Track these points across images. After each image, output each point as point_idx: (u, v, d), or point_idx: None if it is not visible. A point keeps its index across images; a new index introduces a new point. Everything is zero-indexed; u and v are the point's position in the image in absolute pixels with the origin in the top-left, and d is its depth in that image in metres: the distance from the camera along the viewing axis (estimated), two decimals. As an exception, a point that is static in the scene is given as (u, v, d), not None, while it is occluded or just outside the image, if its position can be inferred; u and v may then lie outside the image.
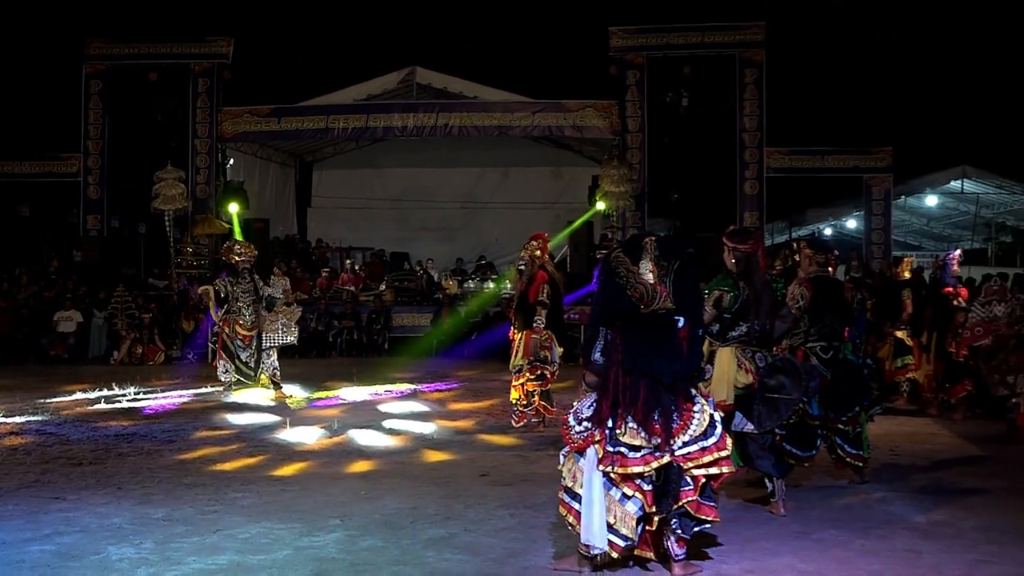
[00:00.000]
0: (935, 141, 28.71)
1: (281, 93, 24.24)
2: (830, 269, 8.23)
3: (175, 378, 15.50)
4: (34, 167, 23.35)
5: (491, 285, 21.93)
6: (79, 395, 13.32)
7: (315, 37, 31.83)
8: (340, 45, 31.59)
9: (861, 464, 7.84)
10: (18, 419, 11.26)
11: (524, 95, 23.37)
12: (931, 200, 27.23)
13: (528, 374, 10.23)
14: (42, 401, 12.75)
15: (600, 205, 21.75)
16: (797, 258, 8.25)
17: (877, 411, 8.32)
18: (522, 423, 10.36)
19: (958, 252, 12.65)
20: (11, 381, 14.98)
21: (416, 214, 26.96)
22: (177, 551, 5.90)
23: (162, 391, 13.83)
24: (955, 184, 25.29)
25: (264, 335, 12.85)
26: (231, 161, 23.63)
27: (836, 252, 9.03)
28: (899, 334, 12.18)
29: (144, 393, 13.53)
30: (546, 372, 10.22)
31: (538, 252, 10.40)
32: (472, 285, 22.39)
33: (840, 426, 7.66)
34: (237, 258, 12.90)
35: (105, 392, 13.45)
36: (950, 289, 12.04)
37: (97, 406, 12.38)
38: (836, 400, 7.55)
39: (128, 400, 12.88)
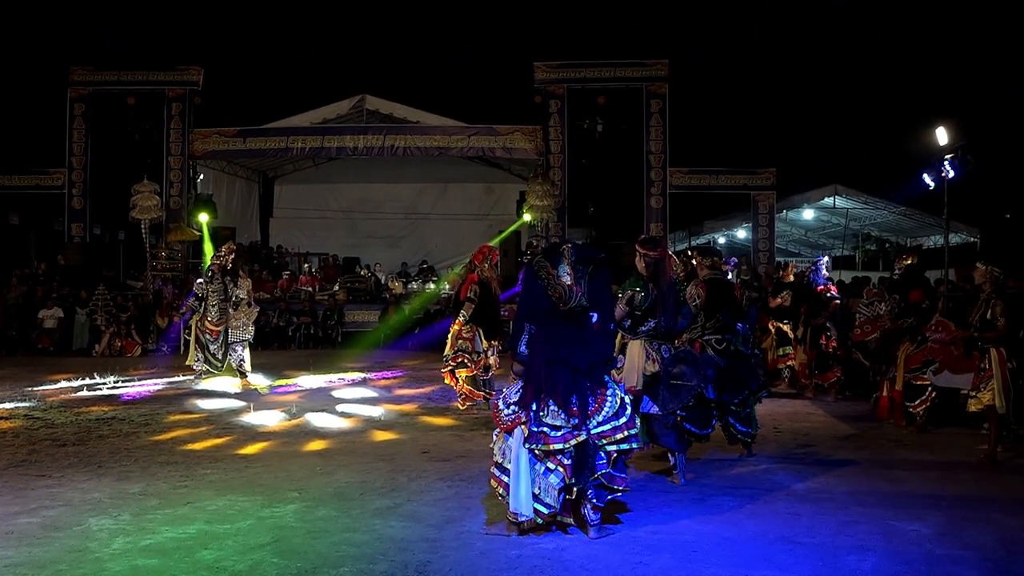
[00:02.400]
0: (812, 163, 29.32)
1: (246, 116, 24.05)
2: (724, 271, 8.33)
3: (150, 368, 15.23)
4: (23, 180, 22.87)
5: (431, 286, 21.88)
6: (64, 383, 13.01)
7: (277, 67, 31.63)
8: (299, 74, 31.43)
9: (750, 440, 7.95)
10: (8, 405, 10.96)
11: (461, 120, 23.40)
12: (808, 214, 27.70)
13: (452, 363, 10.24)
14: (30, 389, 12.43)
15: (527, 216, 21.84)
16: (694, 263, 8.35)
17: (763, 395, 8.43)
18: (464, 405, 10.36)
19: (825, 258, 12.93)
20: (1, 371, 14.58)
21: (366, 224, 26.83)
22: (152, 522, 5.80)
23: (139, 380, 13.57)
24: (828, 200, 25.77)
25: (230, 331, 12.68)
26: (201, 176, 23.33)
27: (735, 259, 9.15)
28: (784, 327, 12.40)
29: (122, 381, 13.26)
30: (466, 360, 10.20)
31: (477, 260, 10.42)
32: (415, 286, 22.32)
33: (732, 407, 7.75)
34: (219, 261, 12.76)
35: (87, 381, 13.15)
36: (822, 288, 12.31)
37: (80, 393, 12.10)
38: (729, 385, 7.64)
39: (108, 388, 12.60)
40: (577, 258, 5.50)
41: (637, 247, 6.91)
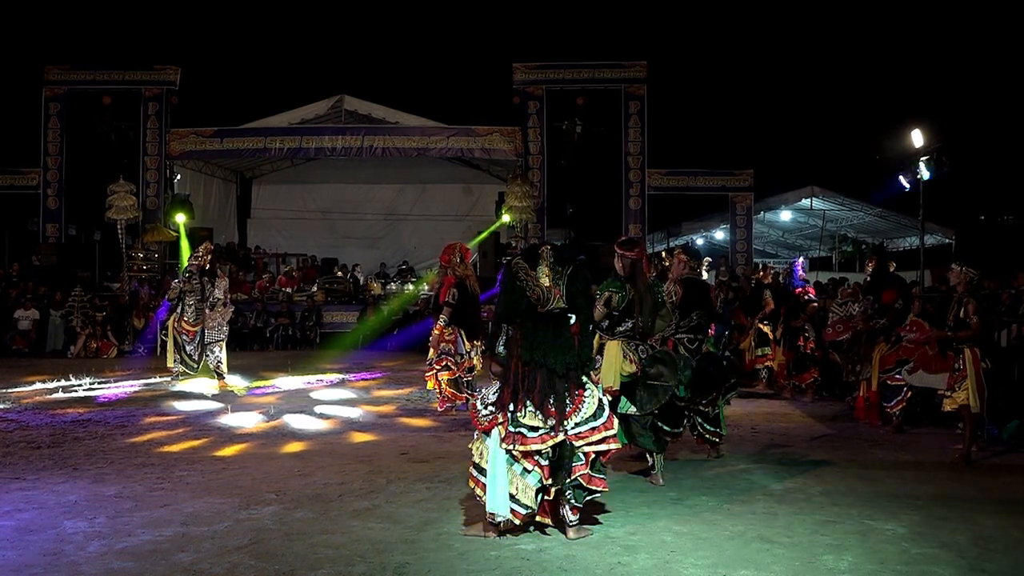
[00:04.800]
0: (789, 165, 29.53)
1: (224, 116, 23.96)
2: (704, 273, 8.41)
3: (127, 369, 15.12)
4: (-3, 180, 22.63)
5: (410, 287, 21.91)
6: (39, 385, 12.89)
7: (255, 67, 31.53)
8: (277, 74, 31.36)
9: (717, 440, 7.98)
10: (-19, 407, 10.86)
11: (439, 121, 23.40)
12: (785, 215, 27.86)
13: (436, 366, 10.23)
14: (4, 391, 12.30)
15: (505, 217, 21.85)
16: (667, 263, 8.39)
17: (732, 395, 8.46)
18: (442, 407, 10.34)
19: (801, 259, 13.03)
20: (-25, 373, 14.44)
21: (344, 224, 26.77)
22: (127, 524, 5.75)
23: (115, 381, 13.46)
24: (805, 202, 25.92)
25: (206, 331, 12.62)
26: (178, 176, 23.20)
27: (710, 259, 9.25)
28: (763, 327, 12.48)
29: (98, 383, 13.15)
30: (450, 363, 10.19)
31: (444, 261, 10.40)
32: (394, 287, 22.33)
33: (701, 407, 7.77)
34: (197, 261, 12.71)
35: (63, 382, 13.05)
36: (800, 290, 12.40)
37: (55, 395, 11.99)
38: (699, 385, 7.65)
39: (84, 389, 12.48)
40: (556, 259, 5.52)
41: (616, 248, 6.93)
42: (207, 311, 12.58)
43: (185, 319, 12.56)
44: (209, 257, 12.87)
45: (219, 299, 12.73)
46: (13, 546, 5.33)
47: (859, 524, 5.83)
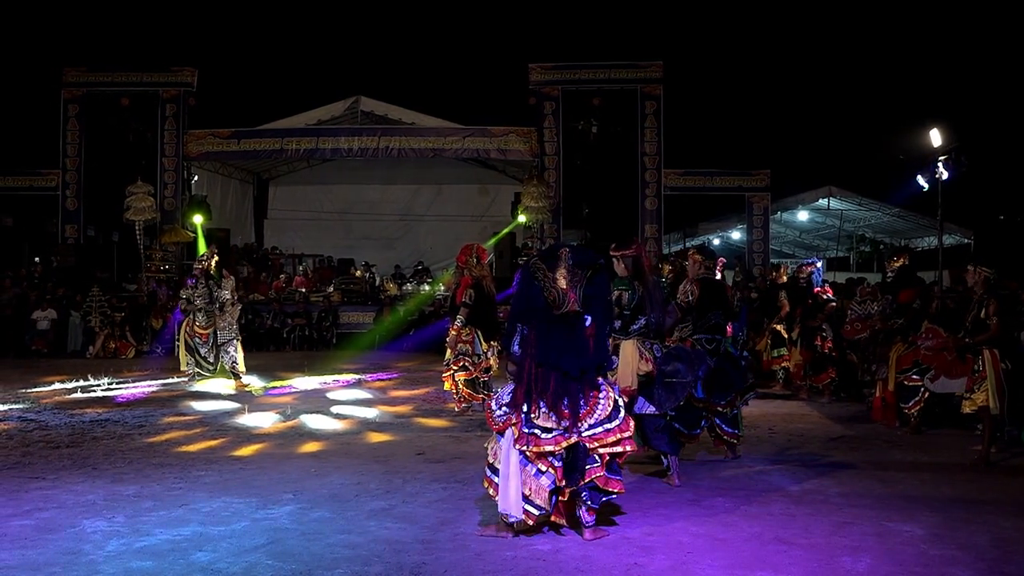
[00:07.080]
0: (806, 165, 29.40)
1: (240, 118, 24.06)
2: (719, 273, 8.38)
3: (145, 370, 15.19)
4: (17, 182, 22.88)
5: (426, 288, 21.94)
6: (57, 385, 12.98)
7: (271, 69, 31.67)
8: (293, 75, 31.48)
9: (735, 442, 7.95)
10: (1, 407, 10.93)
11: (455, 122, 23.43)
12: (802, 215, 27.77)
13: (454, 366, 10.23)
14: (23, 391, 12.40)
15: (521, 218, 21.88)
16: (685, 263, 8.37)
17: (751, 396, 8.42)
18: (460, 408, 10.34)
19: (819, 263, 12.97)
20: (-5, 373, 14.54)
21: (360, 225, 26.84)
22: (146, 523, 5.78)
23: (133, 381, 13.54)
24: (822, 202, 25.83)
25: (218, 332, 12.70)
26: (195, 177, 23.32)
27: (723, 259, 9.22)
28: (778, 328, 12.42)
29: (117, 383, 13.23)
30: (467, 364, 10.18)
31: (461, 261, 10.40)
32: (410, 288, 22.36)
33: (719, 408, 7.74)
34: (200, 266, 12.81)
35: (81, 383, 13.14)
36: (818, 289, 12.34)
37: (74, 395, 12.08)
38: (717, 386, 7.63)
39: (102, 390, 12.57)
40: (575, 262, 5.49)
41: (611, 253, 6.86)
42: (217, 313, 12.67)
43: (197, 323, 12.67)
44: (214, 261, 12.94)
45: (227, 298, 12.80)
46: (33, 545, 5.37)
47: (877, 526, 5.80)
